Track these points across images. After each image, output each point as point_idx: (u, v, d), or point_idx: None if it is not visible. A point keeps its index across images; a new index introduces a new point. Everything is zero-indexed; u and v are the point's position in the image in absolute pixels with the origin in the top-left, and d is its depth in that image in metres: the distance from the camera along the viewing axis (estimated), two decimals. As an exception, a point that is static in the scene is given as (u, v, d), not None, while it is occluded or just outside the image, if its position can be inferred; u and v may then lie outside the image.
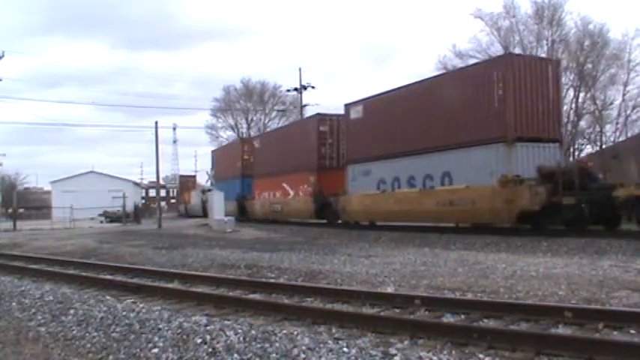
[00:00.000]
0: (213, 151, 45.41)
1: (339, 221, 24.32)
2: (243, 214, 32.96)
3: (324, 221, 25.62)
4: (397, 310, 6.96)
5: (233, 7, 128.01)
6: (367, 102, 22.66)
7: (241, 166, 34.29)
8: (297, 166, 26.85)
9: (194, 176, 72.22)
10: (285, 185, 28.57)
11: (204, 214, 36.61)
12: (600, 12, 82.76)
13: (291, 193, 27.97)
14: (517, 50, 32.86)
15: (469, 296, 7.78)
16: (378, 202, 21.16)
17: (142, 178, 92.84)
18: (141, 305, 7.37)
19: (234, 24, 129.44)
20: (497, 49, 33.09)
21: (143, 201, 76.67)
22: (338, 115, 25.29)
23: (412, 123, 19.68)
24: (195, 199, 49.27)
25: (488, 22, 33.47)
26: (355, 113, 23.12)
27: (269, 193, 30.48)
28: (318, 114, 27.61)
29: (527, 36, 33.22)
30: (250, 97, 61.66)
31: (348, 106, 23.63)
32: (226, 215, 28.95)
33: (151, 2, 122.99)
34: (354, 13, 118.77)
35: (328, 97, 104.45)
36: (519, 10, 33.50)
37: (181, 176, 74.09)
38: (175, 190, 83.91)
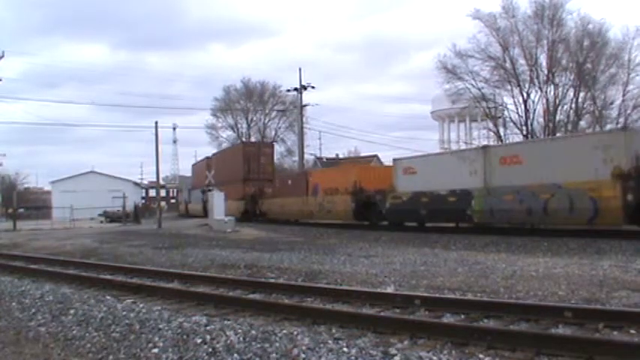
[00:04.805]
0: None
1: None
2: None
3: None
4: (397, 310, 6.95)
5: (233, 7, 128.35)
6: None
7: None
8: None
9: (272, 144, 43.58)
10: None
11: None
12: (600, 11, 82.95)
13: None
14: (516, 50, 32.86)
15: (469, 296, 7.78)
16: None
17: (141, 178, 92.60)
18: (141, 305, 7.37)
19: (234, 24, 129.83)
20: (496, 49, 33.04)
21: (143, 201, 76.55)
22: None
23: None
24: None
25: (487, 23, 33.35)
26: None
27: None
28: None
29: (527, 36, 33.08)
30: (250, 97, 61.62)
31: None
32: None
33: (151, 2, 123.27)
34: (354, 13, 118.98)
35: (328, 97, 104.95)
36: (518, 10, 33.43)
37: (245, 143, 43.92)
38: (175, 190, 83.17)
